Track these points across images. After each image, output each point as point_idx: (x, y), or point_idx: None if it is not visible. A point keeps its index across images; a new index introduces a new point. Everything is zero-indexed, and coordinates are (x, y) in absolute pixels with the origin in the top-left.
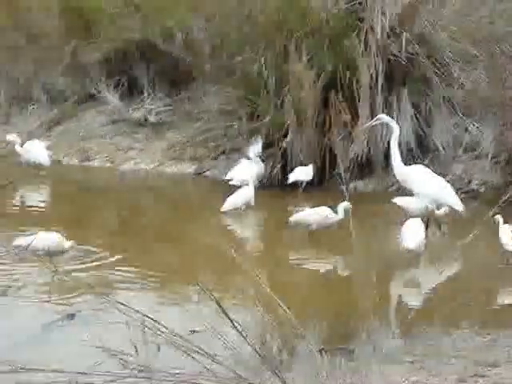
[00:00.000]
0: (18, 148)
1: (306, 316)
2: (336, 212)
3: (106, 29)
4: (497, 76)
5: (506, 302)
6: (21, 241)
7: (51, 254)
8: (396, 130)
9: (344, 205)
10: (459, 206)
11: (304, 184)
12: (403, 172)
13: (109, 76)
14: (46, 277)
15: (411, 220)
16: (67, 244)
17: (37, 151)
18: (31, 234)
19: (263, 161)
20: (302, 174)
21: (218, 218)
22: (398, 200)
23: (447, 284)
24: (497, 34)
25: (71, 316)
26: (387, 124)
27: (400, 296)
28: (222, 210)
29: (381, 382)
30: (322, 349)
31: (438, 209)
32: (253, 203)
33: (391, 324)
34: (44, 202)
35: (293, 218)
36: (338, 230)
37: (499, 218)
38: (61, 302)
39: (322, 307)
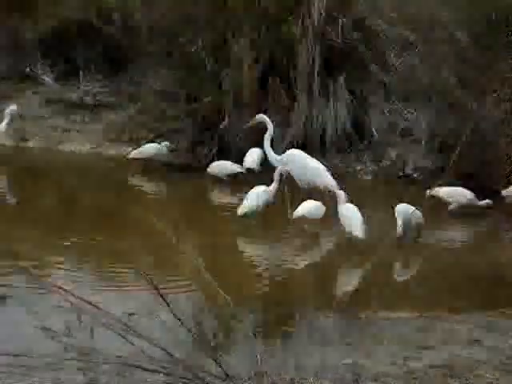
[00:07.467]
0: None
1: (244, 300)
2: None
3: (44, 7)
4: (433, 62)
5: (441, 285)
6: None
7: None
8: (270, 129)
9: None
10: (334, 187)
11: None
12: (280, 161)
13: (46, 56)
14: None
15: (346, 206)
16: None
17: None
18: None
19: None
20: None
21: (157, 202)
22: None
23: (384, 269)
24: (435, 19)
25: (4, 298)
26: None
27: (338, 280)
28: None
29: (316, 364)
30: (259, 331)
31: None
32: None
33: (329, 308)
34: None
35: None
36: (276, 214)
37: None
38: None
39: (260, 291)
